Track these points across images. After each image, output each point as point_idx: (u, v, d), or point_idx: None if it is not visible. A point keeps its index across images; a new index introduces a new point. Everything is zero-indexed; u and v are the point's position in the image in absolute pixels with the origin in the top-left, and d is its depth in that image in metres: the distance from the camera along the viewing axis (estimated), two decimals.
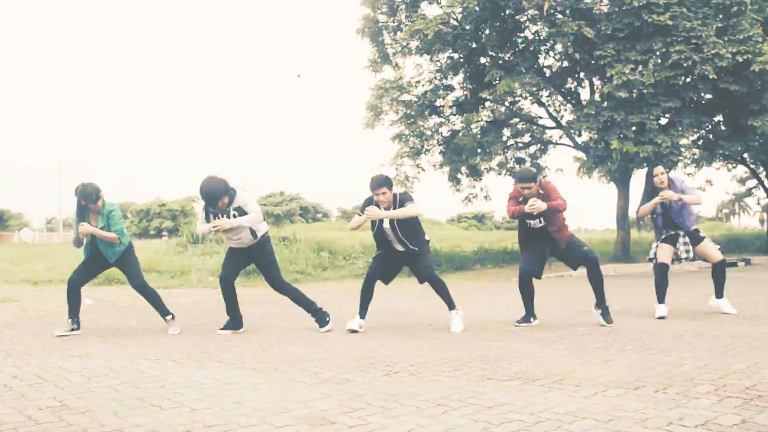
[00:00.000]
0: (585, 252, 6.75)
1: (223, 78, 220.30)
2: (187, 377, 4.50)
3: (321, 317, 6.81)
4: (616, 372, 4.42)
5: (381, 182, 6.47)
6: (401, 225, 6.50)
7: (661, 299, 7.23)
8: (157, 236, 65.37)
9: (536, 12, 16.21)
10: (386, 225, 6.53)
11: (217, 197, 6.46)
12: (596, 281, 6.76)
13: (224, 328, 6.73)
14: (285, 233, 18.91)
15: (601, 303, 6.78)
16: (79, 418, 3.52)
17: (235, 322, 6.80)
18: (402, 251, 6.65)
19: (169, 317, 6.78)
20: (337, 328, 6.78)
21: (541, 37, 17.45)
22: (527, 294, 6.91)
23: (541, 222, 6.61)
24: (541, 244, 6.80)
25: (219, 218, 6.52)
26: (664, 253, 7.23)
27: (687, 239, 7.19)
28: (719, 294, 7.38)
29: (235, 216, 6.54)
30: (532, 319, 6.89)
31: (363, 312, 6.68)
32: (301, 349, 5.56)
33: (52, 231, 77.80)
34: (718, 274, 7.32)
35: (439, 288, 6.64)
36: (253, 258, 6.89)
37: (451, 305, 6.68)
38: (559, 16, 16.20)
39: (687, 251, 7.19)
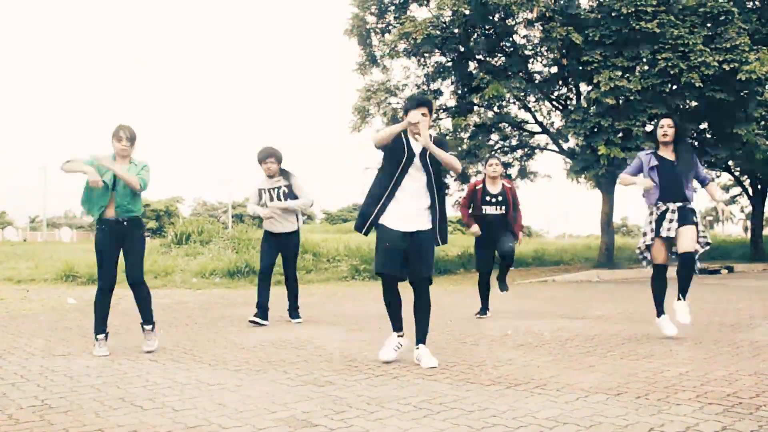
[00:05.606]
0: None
1: (207, 80, 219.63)
2: (170, 378, 4.49)
3: (295, 313, 7.51)
4: (598, 378, 4.44)
5: (423, 101, 4.93)
6: (434, 165, 4.94)
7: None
8: None
9: (528, 16, 16.26)
10: (418, 158, 4.90)
11: (266, 155, 7.23)
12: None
13: (256, 317, 7.13)
14: None
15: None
16: (60, 417, 3.50)
17: (264, 312, 7.17)
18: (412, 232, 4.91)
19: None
20: (319, 331, 6.77)
21: (533, 41, 17.51)
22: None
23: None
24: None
25: (272, 199, 7.21)
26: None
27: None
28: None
29: (285, 192, 7.18)
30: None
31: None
32: (283, 351, 5.55)
33: (36, 230, 77.25)
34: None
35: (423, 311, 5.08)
36: (283, 246, 7.34)
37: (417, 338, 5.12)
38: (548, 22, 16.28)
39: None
